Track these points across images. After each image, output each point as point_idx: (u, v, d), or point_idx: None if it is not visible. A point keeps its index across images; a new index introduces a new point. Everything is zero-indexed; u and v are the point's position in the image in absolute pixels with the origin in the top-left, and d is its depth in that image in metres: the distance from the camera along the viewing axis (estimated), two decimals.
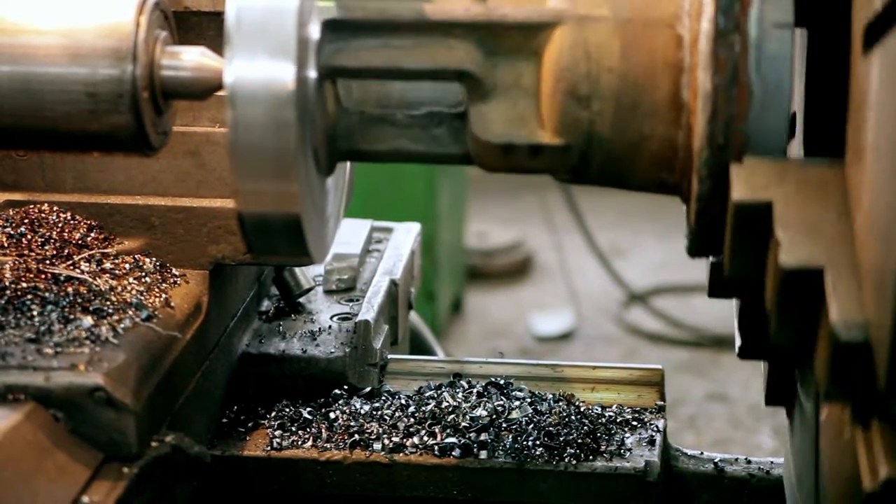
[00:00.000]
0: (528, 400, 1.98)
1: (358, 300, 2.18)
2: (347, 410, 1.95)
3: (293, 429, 1.93)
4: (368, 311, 2.12)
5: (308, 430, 1.92)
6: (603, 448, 1.88)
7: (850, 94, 1.45)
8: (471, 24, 1.58)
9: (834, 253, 1.34)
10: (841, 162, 1.47)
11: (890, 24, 1.23)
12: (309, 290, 2.18)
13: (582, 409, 1.95)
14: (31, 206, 1.92)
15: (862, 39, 1.35)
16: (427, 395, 2.00)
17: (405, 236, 2.45)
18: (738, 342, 1.82)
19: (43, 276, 1.78)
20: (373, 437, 1.90)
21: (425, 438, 1.89)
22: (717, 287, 1.80)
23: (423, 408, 1.95)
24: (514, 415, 1.93)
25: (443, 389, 2.02)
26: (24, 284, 1.75)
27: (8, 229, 1.87)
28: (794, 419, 1.86)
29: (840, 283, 1.30)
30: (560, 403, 1.97)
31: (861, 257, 1.32)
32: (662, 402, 2.04)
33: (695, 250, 1.60)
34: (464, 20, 1.58)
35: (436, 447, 1.88)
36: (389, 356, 2.17)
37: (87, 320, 1.69)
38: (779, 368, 1.86)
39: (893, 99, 1.22)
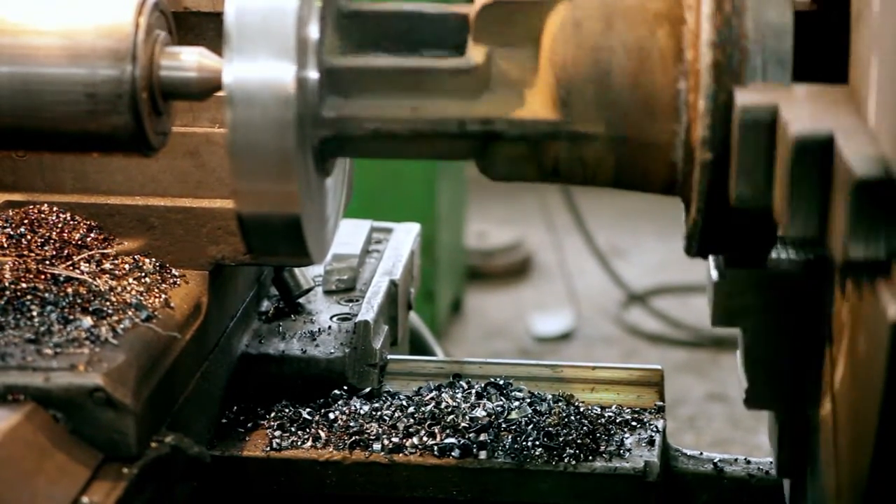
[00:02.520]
0: (528, 400, 1.98)
1: (357, 300, 2.18)
2: (347, 411, 1.95)
3: (293, 429, 1.93)
4: (368, 311, 2.12)
5: (308, 430, 1.92)
6: (602, 448, 1.88)
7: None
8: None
9: (845, 125, 1.31)
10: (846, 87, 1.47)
11: None
12: (308, 290, 2.18)
13: (581, 410, 1.95)
14: (31, 207, 1.92)
15: None
16: (427, 395, 2.00)
17: (405, 237, 2.45)
18: (744, 385, 1.82)
19: (42, 277, 1.78)
20: (372, 437, 1.90)
21: (425, 439, 1.89)
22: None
23: (423, 408, 1.95)
24: (514, 415, 1.93)
25: (442, 390, 2.02)
26: (24, 285, 1.75)
27: (8, 230, 1.87)
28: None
29: (852, 139, 1.27)
30: (559, 404, 1.97)
31: (874, 126, 1.29)
32: (662, 403, 2.04)
33: (693, 249, 1.61)
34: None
35: (435, 447, 1.88)
36: (389, 356, 2.17)
37: (87, 321, 1.69)
38: (791, 425, 1.82)
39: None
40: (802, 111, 1.37)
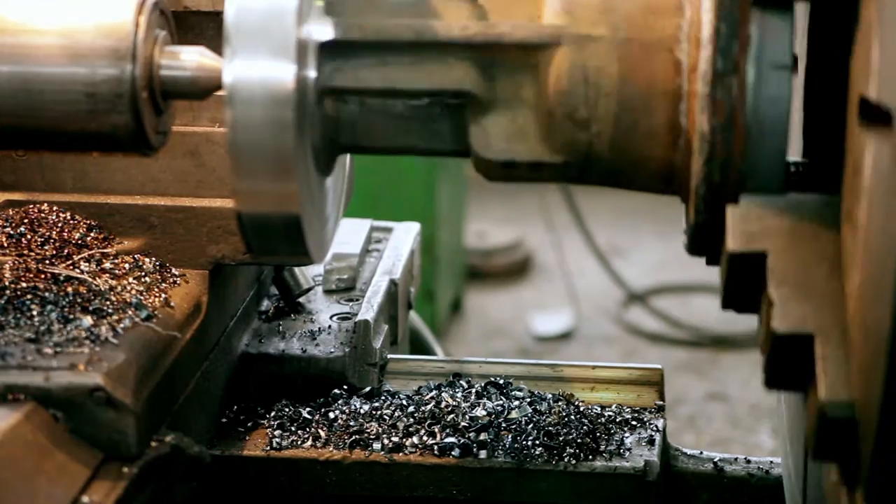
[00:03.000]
0: (528, 400, 1.98)
1: (357, 300, 2.18)
2: (347, 410, 1.95)
3: (293, 429, 1.93)
4: (368, 310, 2.12)
5: (308, 429, 1.92)
6: (602, 448, 1.88)
7: (847, 153, 1.45)
8: (469, 44, 1.58)
9: (825, 318, 1.36)
10: (835, 201, 1.48)
11: (886, 122, 1.23)
12: (308, 289, 2.18)
13: (581, 409, 1.95)
14: (31, 206, 1.92)
15: (858, 109, 1.36)
16: (427, 394, 2.00)
17: (405, 236, 2.45)
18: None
19: (42, 276, 1.78)
20: (372, 436, 1.90)
21: (425, 438, 1.89)
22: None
23: (423, 407, 1.95)
24: (514, 414, 1.93)
25: (442, 389, 2.02)
26: (24, 284, 1.75)
27: (8, 229, 1.87)
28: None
29: (829, 353, 1.32)
30: (559, 403, 1.97)
31: (852, 327, 1.34)
32: (662, 402, 2.04)
33: (694, 248, 1.61)
34: (461, 40, 1.58)
35: (435, 447, 1.88)
36: (389, 356, 2.17)
37: (87, 320, 1.69)
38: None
39: (887, 186, 1.23)
40: (787, 272, 1.41)
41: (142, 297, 1.78)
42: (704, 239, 1.58)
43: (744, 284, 1.47)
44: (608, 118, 1.56)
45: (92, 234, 1.90)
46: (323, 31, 1.59)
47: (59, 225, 1.90)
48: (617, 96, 1.55)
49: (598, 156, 1.59)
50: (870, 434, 1.23)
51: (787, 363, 1.37)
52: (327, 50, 1.59)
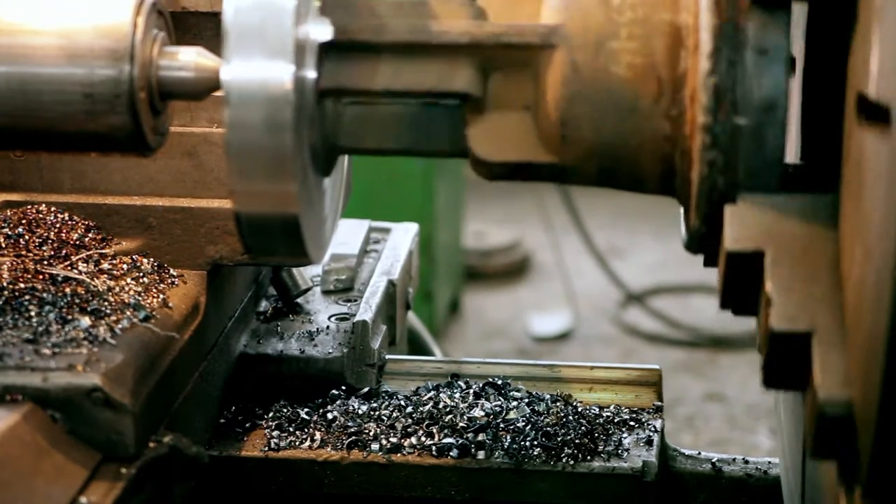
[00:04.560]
0: (526, 400, 1.98)
1: (356, 300, 2.18)
2: (345, 411, 1.95)
3: (291, 429, 1.93)
4: (366, 311, 2.11)
5: (306, 430, 1.92)
6: (601, 448, 1.88)
7: (845, 152, 1.45)
8: (466, 46, 1.58)
9: (823, 316, 1.37)
10: (833, 200, 1.48)
11: (885, 120, 1.24)
12: (307, 290, 2.18)
13: (579, 410, 1.95)
14: (29, 207, 1.92)
15: (855, 107, 1.36)
16: (425, 395, 2.00)
17: (403, 236, 2.45)
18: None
19: (41, 277, 1.78)
20: (370, 437, 1.90)
21: (423, 439, 1.89)
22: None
23: (421, 408, 1.95)
24: (512, 415, 1.93)
25: (440, 390, 2.02)
26: (22, 285, 1.75)
27: (6, 230, 1.87)
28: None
29: (827, 352, 1.33)
30: (558, 404, 1.97)
31: (849, 325, 1.34)
32: (660, 403, 2.04)
33: (693, 247, 1.61)
34: (459, 42, 1.58)
35: (433, 447, 1.88)
36: (387, 356, 2.17)
37: (85, 321, 1.69)
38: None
39: (886, 184, 1.24)
40: (785, 271, 1.42)
41: (140, 298, 1.78)
42: (703, 239, 1.58)
43: (742, 284, 1.47)
44: (607, 124, 1.56)
45: (90, 235, 1.90)
46: (321, 31, 1.59)
47: (58, 225, 1.89)
48: (616, 89, 1.55)
49: (596, 157, 1.59)
50: (868, 433, 1.23)
51: (786, 362, 1.37)
52: (326, 51, 1.59)
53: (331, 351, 2.03)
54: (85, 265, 1.83)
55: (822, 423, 1.29)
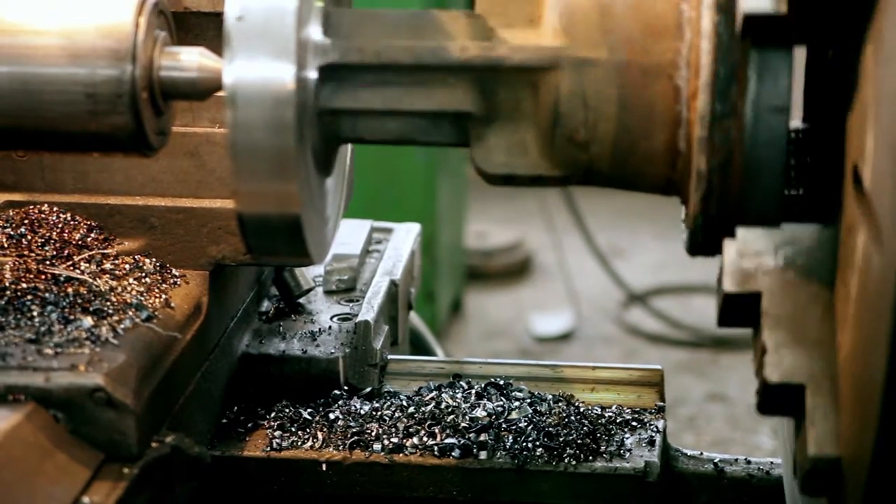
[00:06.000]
0: (528, 400, 1.98)
1: (358, 301, 2.18)
2: (347, 411, 1.95)
3: (293, 429, 1.93)
4: (368, 311, 2.12)
5: (308, 430, 1.92)
6: (603, 448, 1.88)
7: (843, 207, 1.46)
8: (468, 67, 1.59)
9: (816, 366, 1.40)
10: (832, 234, 1.50)
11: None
12: (309, 290, 2.19)
13: (581, 410, 1.95)
14: (32, 207, 1.92)
15: (851, 176, 1.39)
16: (427, 395, 2.00)
17: (405, 237, 2.45)
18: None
19: (43, 277, 1.78)
20: (372, 437, 1.90)
21: (425, 439, 1.89)
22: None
23: (423, 408, 1.95)
24: (514, 415, 1.93)
25: (442, 390, 2.02)
26: (25, 285, 1.75)
27: (8, 230, 1.87)
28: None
29: (819, 404, 1.37)
30: (560, 404, 1.97)
31: (842, 385, 1.37)
32: (662, 403, 2.04)
33: (694, 249, 1.61)
34: (461, 63, 1.59)
35: (435, 448, 1.88)
36: (389, 356, 2.17)
37: (88, 321, 1.69)
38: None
39: (876, 288, 1.26)
40: (781, 317, 1.45)
41: (142, 298, 1.78)
42: (704, 250, 1.59)
43: (739, 319, 1.52)
44: (607, 141, 1.58)
45: (92, 235, 1.90)
46: (322, 40, 1.59)
47: (60, 225, 1.90)
48: (616, 120, 1.57)
49: (597, 172, 1.61)
50: (859, 484, 1.26)
51: (780, 406, 1.42)
52: (326, 72, 1.59)
53: (333, 351, 2.03)
54: (87, 265, 1.83)
55: (812, 473, 1.36)
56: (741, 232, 1.52)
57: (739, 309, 1.48)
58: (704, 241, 1.57)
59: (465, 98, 1.59)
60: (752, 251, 1.50)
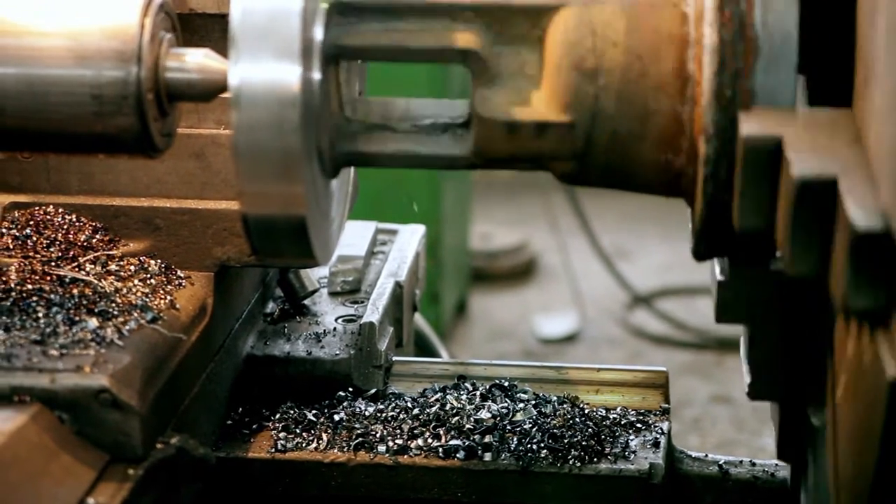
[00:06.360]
0: (533, 402, 1.98)
1: (363, 302, 2.18)
2: (352, 412, 1.95)
3: (297, 430, 1.93)
4: (373, 313, 2.12)
5: (312, 431, 1.92)
6: (607, 450, 1.88)
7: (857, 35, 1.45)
8: (476, 7, 1.58)
9: (847, 165, 1.32)
10: (849, 110, 1.47)
11: None
12: (314, 292, 2.19)
13: (586, 412, 1.95)
14: (37, 208, 1.92)
15: None
16: (431, 397, 2.00)
17: (410, 238, 2.45)
18: (747, 379, 1.83)
19: (48, 278, 1.78)
20: (377, 438, 1.90)
21: (429, 440, 1.89)
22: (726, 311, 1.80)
23: (428, 410, 1.95)
24: (519, 417, 1.93)
25: (447, 391, 2.02)
26: (30, 286, 1.75)
27: (13, 231, 1.88)
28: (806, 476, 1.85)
29: (855, 186, 1.27)
30: (564, 406, 1.97)
31: (875, 169, 1.30)
32: (667, 405, 2.04)
33: (701, 250, 1.60)
34: (469, 3, 1.58)
35: (440, 449, 1.88)
36: (394, 358, 2.17)
37: (93, 322, 1.69)
38: (790, 415, 1.85)
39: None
40: (805, 145, 1.37)
41: (147, 299, 1.78)
42: (712, 227, 1.56)
43: (759, 179, 1.41)
44: (615, 67, 1.56)
45: (97, 236, 1.90)
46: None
47: (65, 227, 1.90)
48: (624, 46, 1.56)
49: (604, 112, 1.57)
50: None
51: (812, 216, 1.31)
52: (335, 12, 1.59)
53: (338, 353, 2.03)
54: (92, 266, 1.83)
55: (859, 243, 1.22)
56: (757, 108, 1.48)
57: (761, 156, 1.39)
58: (718, 161, 1.52)
59: (472, 38, 1.59)
60: (769, 115, 1.44)
